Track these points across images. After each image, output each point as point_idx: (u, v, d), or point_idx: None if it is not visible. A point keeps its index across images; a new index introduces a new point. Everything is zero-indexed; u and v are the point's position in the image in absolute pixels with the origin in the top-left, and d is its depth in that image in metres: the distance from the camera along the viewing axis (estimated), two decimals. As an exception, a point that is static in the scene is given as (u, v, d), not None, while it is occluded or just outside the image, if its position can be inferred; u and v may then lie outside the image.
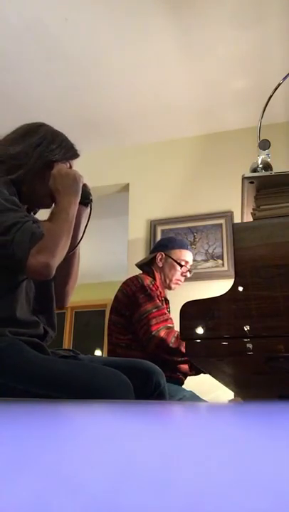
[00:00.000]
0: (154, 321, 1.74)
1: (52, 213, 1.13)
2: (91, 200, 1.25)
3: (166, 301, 1.98)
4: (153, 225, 3.08)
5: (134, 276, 1.93)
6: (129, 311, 1.81)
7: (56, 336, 1.20)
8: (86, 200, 1.23)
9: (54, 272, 1.02)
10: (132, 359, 1.23)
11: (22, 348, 0.98)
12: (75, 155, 1.26)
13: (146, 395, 1.11)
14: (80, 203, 1.18)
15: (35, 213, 1.28)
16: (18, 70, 2.71)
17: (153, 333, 1.71)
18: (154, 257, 2.02)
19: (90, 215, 1.26)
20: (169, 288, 2.03)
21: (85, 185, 1.20)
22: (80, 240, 1.24)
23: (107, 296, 6.01)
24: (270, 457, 0.26)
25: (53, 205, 1.17)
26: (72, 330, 6.30)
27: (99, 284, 6.11)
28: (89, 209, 1.26)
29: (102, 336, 5.77)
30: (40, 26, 2.40)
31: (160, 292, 1.91)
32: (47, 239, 1.01)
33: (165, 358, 1.72)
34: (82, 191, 1.18)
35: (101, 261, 5.59)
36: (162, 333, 1.72)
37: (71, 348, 1.23)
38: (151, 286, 1.86)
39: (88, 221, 1.25)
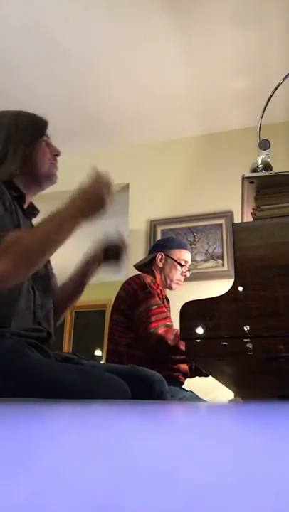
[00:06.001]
0: (153, 318, 1.75)
1: (48, 215, 0.99)
2: (120, 253, 1.22)
3: (167, 301, 1.98)
4: (153, 225, 3.08)
5: (135, 276, 1.92)
6: (131, 310, 1.81)
7: (56, 336, 1.20)
8: (110, 251, 1.22)
9: (11, 281, 0.96)
10: (133, 367, 1.19)
11: (24, 351, 0.96)
12: (44, 126, 1.20)
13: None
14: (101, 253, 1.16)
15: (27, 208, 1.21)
16: (18, 70, 2.71)
17: (151, 330, 1.72)
18: (154, 258, 2.02)
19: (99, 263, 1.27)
20: (170, 288, 2.03)
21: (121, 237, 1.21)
22: (85, 284, 1.26)
23: (107, 296, 6.01)
24: (269, 457, 0.26)
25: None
26: (72, 330, 6.29)
27: (99, 284, 6.06)
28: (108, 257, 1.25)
29: (102, 335, 5.77)
30: (40, 26, 2.40)
31: (160, 291, 1.91)
32: (11, 245, 0.94)
33: (165, 356, 1.72)
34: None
35: (101, 261, 5.58)
36: (161, 331, 1.72)
37: (72, 352, 1.22)
38: (152, 284, 1.86)
39: (96, 268, 1.27)
